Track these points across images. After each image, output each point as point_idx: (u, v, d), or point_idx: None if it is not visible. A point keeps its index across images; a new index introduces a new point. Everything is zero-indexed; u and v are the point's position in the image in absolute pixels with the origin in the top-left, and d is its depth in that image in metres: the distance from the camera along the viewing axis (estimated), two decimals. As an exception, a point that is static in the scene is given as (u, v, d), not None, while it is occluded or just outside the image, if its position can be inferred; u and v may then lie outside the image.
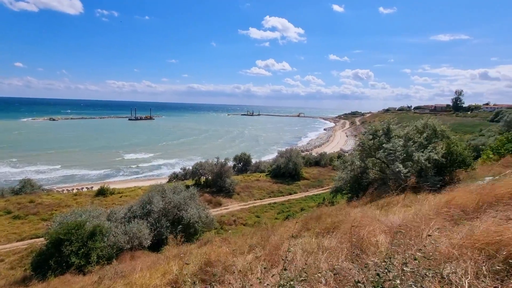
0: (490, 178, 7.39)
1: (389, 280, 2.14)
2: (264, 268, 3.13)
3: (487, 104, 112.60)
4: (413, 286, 2.06)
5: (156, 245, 13.98)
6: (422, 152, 10.50)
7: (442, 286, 2.12)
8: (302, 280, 2.46)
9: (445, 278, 2.17)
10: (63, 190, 30.49)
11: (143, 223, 14.20)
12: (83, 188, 31.30)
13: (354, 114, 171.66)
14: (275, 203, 27.04)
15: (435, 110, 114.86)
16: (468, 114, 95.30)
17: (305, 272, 2.57)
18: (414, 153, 10.44)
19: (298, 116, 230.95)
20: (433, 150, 10.45)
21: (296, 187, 32.27)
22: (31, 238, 17.47)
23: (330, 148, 66.89)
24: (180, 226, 15.39)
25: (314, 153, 49.41)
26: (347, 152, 44.81)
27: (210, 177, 29.90)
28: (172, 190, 17.00)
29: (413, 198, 6.97)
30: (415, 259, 2.40)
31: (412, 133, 11.98)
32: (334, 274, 2.53)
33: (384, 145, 11.18)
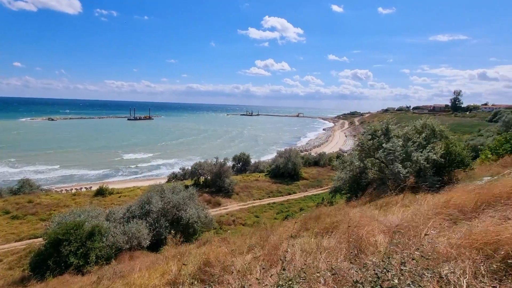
0: (489, 178, 7.41)
1: (388, 280, 2.14)
2: (263, 268, 3.13)
3: (485, 104, 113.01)
4: (411, 285, 2.06)
5: (155, 245, 13.96)
6: (421, 152, 10.53)
7: (441, 285, 2.12)
8: (301, 280, 2.46)
9: (443, 277, 2.18)
10: (62, 190, 30.41)
11: (142, 223, 14.18)
12: (82, 188, 31.22)
13: (353, 114, 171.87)
14: (274, 203, 27.04)
15: (434, 110, 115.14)
16: (466, 114, 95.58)
17: (304, 272, 2.57)
18: (413, 153, 10.46)
19: (297, 116, 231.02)
20: (432, 150, 10.47)
21: (295, 187, 32.29)
22: (30, 238, 17.41)
23: (329, 148, 66.96)
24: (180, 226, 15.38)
25: (313, 153, 49.44)
26: (346, 152, 44.87)
27: (209, 177, 29.88)
28: (171, 190, 16.97)
29: (412, 198, 6.97)
30: (413, 259, 2.40)
31: (411, 133, 12.00)
32: (333, 274, 2.53)
33: (384, 144, 11.20)
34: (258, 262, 3.61)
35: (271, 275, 3.02)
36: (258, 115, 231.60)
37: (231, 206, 25.61)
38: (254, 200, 27.88)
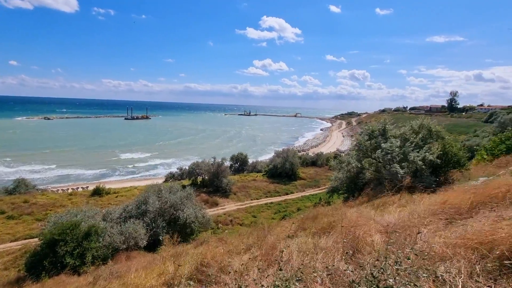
0: (484, 178, 7.47)
1: (384, 279, 2.15)
2: (259, 269, 3.13)
3: (481, 105, 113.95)
4: (407, 285, 2.07)
5: (152, 245, 13.91)
6: (418, 152, 10.59)
7: (437, 285, 2.13)
8: (298, 280, 2.46)
9: (439, 277, 2.19)
10: (58, 190, 30.19)
11: (139, 223, 14.11)
12: (78, 188, 31.02)
13: (350, 114, 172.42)
14: (271, 203, 27.06)
15: (430, 111, 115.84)
16: (462, 115, 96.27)
17: (301, 272, 2.57)
18: (410, 154, 10.52)
19: (295, 116, 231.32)
20: (429, 151, 10.54)
21: (293, 187, 32.33)
22: (25, 239, 17.27)
23: (327, 148, 67.15)
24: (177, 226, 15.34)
25: (311, 153, 49.54)
26: (343, 152, 44.99)
27: (206, 177, 29.84)
28: (168, 190, 16.92)
29: (409, 198, 7.02)
30: (408, 259, 2.41)
31: (408, 133, 12.07)
32: (329, 274, 2.54)
33: (382, 144, 11.26)
34: (255, 262, 3.61)
35: (268, 275, 3.02)
36: (256, 115, 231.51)
37: (228, 206, 25.59)
38: (251, 200, 27.88)
